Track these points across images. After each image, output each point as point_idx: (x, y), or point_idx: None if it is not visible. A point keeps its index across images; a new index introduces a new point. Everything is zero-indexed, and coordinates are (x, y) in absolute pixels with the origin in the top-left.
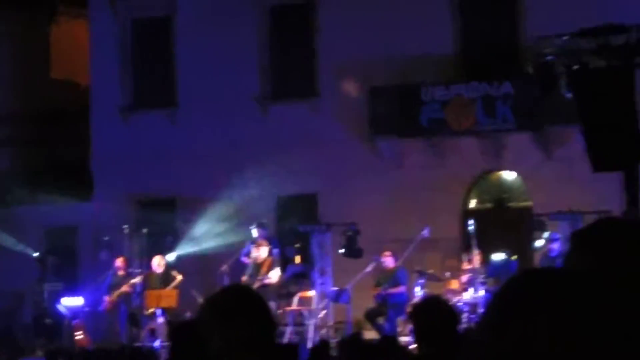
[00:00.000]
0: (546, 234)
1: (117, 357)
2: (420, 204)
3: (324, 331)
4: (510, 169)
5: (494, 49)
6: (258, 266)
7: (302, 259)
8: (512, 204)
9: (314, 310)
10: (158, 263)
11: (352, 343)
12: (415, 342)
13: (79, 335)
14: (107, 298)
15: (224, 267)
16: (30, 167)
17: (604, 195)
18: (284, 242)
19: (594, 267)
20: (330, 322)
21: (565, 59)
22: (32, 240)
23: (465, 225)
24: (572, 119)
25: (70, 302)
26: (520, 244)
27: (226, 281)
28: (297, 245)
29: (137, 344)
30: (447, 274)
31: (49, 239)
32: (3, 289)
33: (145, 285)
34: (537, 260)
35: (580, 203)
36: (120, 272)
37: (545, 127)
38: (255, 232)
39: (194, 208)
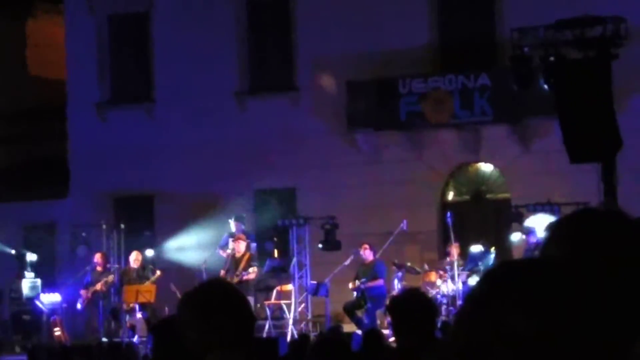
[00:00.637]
0: (527, 225)
1: (96, 353)
2: (398, 197)
3: (303, 325)
4: (488, 161)
5: (471, 42)
6: (237, 261)
7: (280, 253)
8: (490, 196)
9: (292, 304)
10: (135, 258)
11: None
12: (394, 335)
13: (57, 332)
14: (83, 294)
15: (203, 262)
16: (7, 163)
17: (581, 186)
18: (262, 237)
19: (569, 257)
20: (309, 316)
21: (542, 51)
22: (10, 237)
23: (444, 217)
24: (550, 111)
25: (49, 299)
26: (498, 236)
27: (204, 276)
28: (276, 239)
29: (116, 340)
30: (426, 266)
31: (27, 235)
32: None
33: (123, 280)
34: (518, 254)
35: (558, 194)
36: (99, 268)
37: (522, 119)
38: (233, 226)
39: (171, 203)
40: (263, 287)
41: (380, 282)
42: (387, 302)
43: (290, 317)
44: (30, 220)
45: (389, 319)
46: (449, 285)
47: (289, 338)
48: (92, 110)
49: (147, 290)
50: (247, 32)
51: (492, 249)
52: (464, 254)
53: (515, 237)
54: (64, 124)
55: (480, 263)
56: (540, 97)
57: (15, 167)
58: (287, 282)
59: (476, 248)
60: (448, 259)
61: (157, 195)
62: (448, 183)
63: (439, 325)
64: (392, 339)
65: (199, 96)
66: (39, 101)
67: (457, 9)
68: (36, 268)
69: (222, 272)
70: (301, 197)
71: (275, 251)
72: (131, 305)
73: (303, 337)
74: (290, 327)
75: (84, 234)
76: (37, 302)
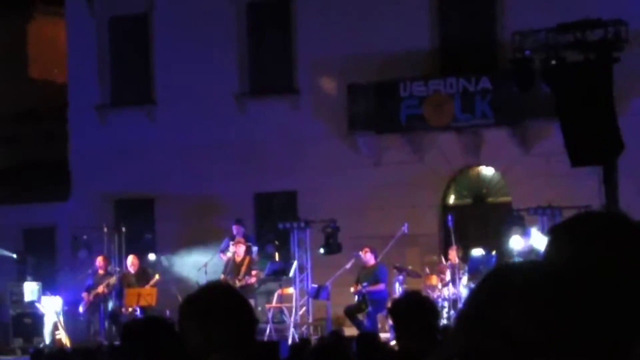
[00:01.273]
0: (533, 229)
1: (97, 356)
2: (399, 200)
3: (304, 328)
4: (489, 165)
5: (472, 45)
6: (237, 265)
7: (281, 256)
8: (491, 200)
9: (293, 307)
10: (131, 262)
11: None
12: (395, 338)
13: (58, 335)
14: (85, 297)
15: (203, 265)
16: (8, 166)
17: (582, 189)
18: (263, 240)
19: (572, 260)
20: (310, 319)
21: (543, 54)
22: (10, 240)
23: (445, 221)
24: (551, 114)
25: (50, 302)
26: (499, 240)
27: (205, 279)
28: (277, 243)
29: (117, 343)
30: (427, 269)
31: (28, 238)
32: None
33: (123, 284)
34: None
35: (559, 198)
36: (100, 271)
37: (523, 122)
38: (233, 229)
39: (172, 206)
40: (264, 291)
41: (381, 286)
42: (389, 305)
43: (291, 320)
44: (31, 222)
45: (390, 322)
46: (450, 288)
47: (290, 341)
48: (93, 113)
49: (148, 294)
50: (247, 34)
51: (493, 253)
52: (465, 257)
53: (515, 240)
54: (65, 126)
55: (481, 266)
56: (541, 100)
57: (16, 170)
58: (288, 286)
59: (477, 251)
60: (449, 262)
61: (157, 198)
62: (449, 186)
63: (440, 328)
64: (393, 342)
65: (199, 98)
66: (40, 103)
67: (457, 11)
68: (37, 271)
69: (222, 276)
70: (302, 200)
71: (276, 254)
72: (131, 308)
73: (304, 341)
74: (291, 330)
75: (84, 237)
76: (38, 305)
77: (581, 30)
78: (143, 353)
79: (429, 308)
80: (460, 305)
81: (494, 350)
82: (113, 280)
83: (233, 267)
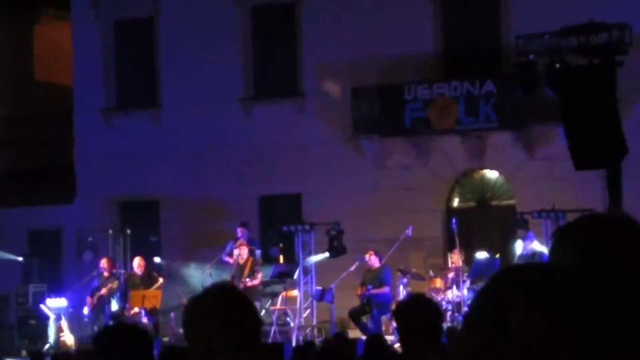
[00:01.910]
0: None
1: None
2: (403, 203)
3: (308, 330)
4: (493, 168)
5: (477, 48)
6: (241, 267)
7: (285, 258)
8: (495, 203)
9: (298, 309)
10: (138, 264)
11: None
12: (399, 341)
13: (63, 336)
14: (89, 299)
15: (207, 267)
16: (14, 168)
17: (586, 193)
18: (267, 242)
19: (576, 262)
20: (314, 322)
21: (547, 58)
22: (16, 242)
23: (449, 224)
24: (555, 118)
25: (55, 303)
26: (503, 243)
27: (210, 281)
28: (281, 245)
29: None
30: (431, 272)
31: (33, 240)
32: None
33: (127, 286)
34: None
35: (563, 201)
36: (105, 273)
37: (527, 125)
38: (238, 232)
39: (177, 209)
40: (268, 293)
41: (386, 289)
42: (393, 307)
43: (295, 322)
44: (36, 225)
45: (394, 324)
46: (453, 291)
47: (294, 344)
48: (98, 116)
49: (153, 296)
50: (252, 38)
51: (497, 256)
52: (468, 260)
53: (519, 245)
54: (70, 129)
55: (485, 270)
56: (545, 104)
57: (22, 172)
58: (293, 288)
59: (481, 255)
60: (453, 265)
61: (162, 201)
62: (453, 189)
63: (444, 330)
64: (397, 344)
65: (204, 102)
66: (45, 106)
67: (462, 15)
68: (42, 273)
69: (230, 279)
70: (306, 203)
71: (281, 257)
72: (135, 310)
73: (308, 343)
74: (296, 332)
75: (90, 239)
76: (43, 307)
77: (585, 34)
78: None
79: (433, 310)
80: (464, 308)
81: (502, 351)
82: (115, 284)
83: (237, 270)
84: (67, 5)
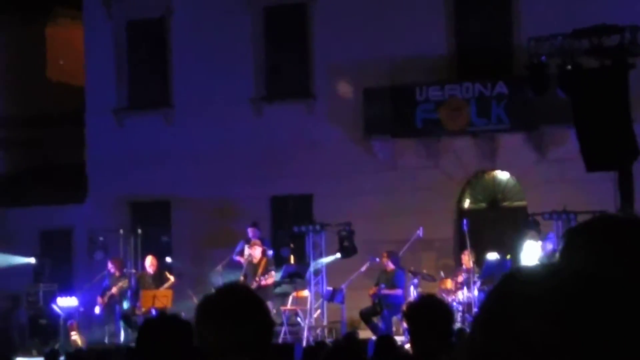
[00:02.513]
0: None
1: (113, 357)
2: (414, 204)
3: (318, 331)
4: (505, 169)
5: (488, 50)
6: (254, 266)
7: (296, 259)
8: (506, 204)
9: (308, 310)
10: (150, 263)
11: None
12: (410, 341)
13: (74, 336)
14: (99, 299)
15: (218, 267)
16: (25, 168)
17: (598, 194)
18: (278, 243)
19: (588, 264)
20: (325, 322)
21: (559, 60)
22: (27, 242)
23: (460, 225)
24: (566, 119)
25: (66, 303)
26: (514, 244)
27: (221, 281)
28: (292, 246)
29: (132, 345)
30: (442, 273)
31: (45, 240)
32: None
33: (139, 285)
34: (531, 260)
35: (575, 203)
36: (116, 273)
37: (539, 127)
38: (249, 232)
39: (188, 209)
40: (279, 293)
41: (399, 291)
42: (404, 308)
43: (306, 323)
44: (47, 225)
45: (404, 325)
46: (464, 292)
47: (304, 344)
48: (110, 116)
49: (164, 295)
50: (264, 39)
51: (508, 257)
52: (479, 261)
53: (530, 245)
54: (82, 129)
55: (495, 271)
56: (557, 105)
57: (33, 172)
58: (303, 288)
59: (492, 256)
60: (464, 266)
61: (173, 201)
62: (464, 191)
63: (454, 331)
64: (408, 345)
65: (216, 102)
66: (57, 106)
67: (474, 17)
68: (53, 272)
69: (242, 278)
70: (317, 204)
71: (292, 257)
72: (146, 309)
73: (319, 344)
74: (306, 333)
75: (101, 239)
76: (54, 307)
77: (597, 35)
78: (158, 352)
79: (444, 311)
80: (474, 309)
81: (512, 353)
82: (125, 283)
83: (250, 269)
84: (79, 5)
